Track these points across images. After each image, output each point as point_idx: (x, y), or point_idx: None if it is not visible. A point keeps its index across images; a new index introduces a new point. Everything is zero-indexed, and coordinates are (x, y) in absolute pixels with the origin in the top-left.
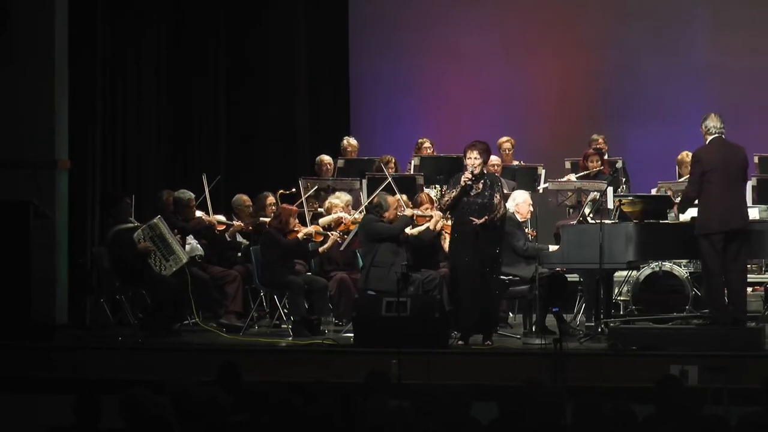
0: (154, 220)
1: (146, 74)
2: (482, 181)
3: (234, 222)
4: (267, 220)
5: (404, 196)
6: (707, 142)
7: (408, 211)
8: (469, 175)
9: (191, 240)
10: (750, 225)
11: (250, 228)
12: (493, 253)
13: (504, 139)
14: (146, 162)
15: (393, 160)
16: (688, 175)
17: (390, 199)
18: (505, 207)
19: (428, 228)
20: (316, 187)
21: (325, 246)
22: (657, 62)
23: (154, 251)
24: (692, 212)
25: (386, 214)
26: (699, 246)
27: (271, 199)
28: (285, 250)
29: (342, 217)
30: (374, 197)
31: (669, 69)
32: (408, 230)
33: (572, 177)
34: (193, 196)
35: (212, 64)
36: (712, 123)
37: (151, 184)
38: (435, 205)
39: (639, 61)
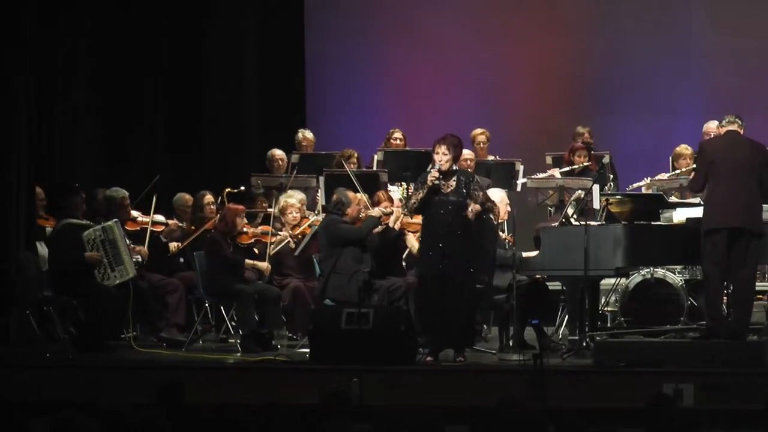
0: (110, 223)
1: (81, 62)
2: (454, 177)
3: (169, 221)
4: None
5: (365, 196)
6: (721, 135)
7: (375, 211)
8: (436, 174)
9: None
10: (762, 227)
11: (192, 227)
12: (483, 258)
13: (478, 131)
14: (79, 159)
15: (355, 155)
16: (681, 169)
17: (351, 194)
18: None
19: (388, 226)
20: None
21: (275, 249)
22: (649, 46)
23: (101, 260)
24: (688, 212)
25: (349, 211)
26: (701, 246)
27: (209, 198)
28: (225, 262)
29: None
30: (334, 195)
31: (662, 53)
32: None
33: (556, 172)
34: (127, 194)
35: (151, 46)
36: (729, 118)
37: (87, 182)
38: (395, 204)
39: (628, 44)
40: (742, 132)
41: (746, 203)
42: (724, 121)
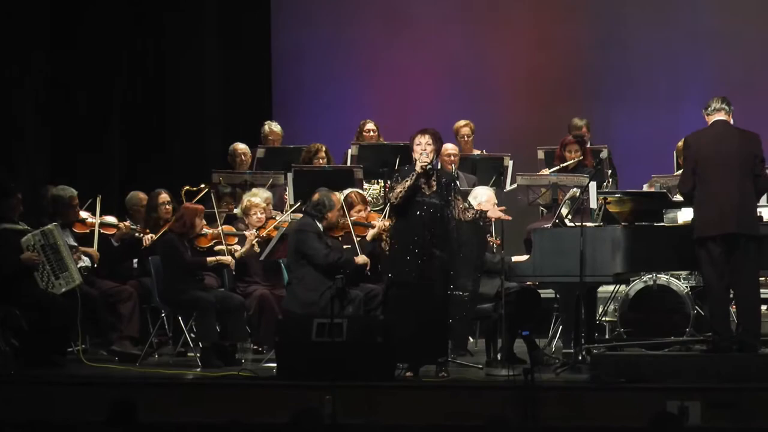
0: (50, 226)
1: (35, 54)
2: (434, 177)
3: (120, 223)
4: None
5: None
6: (708, 126)
7: (360, 258)
8: (426, 160)
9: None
10: (758, 229)
11: (147, 231)
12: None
13: (461, 123)
14: (25, 155)
15: (324, 150)
16: None
17: (335, 196)
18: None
19: (364, 239)
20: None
21: (241, 251)
22: (651, 30)
23: (42, 263)
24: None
25: (329, 215)
26: (696, 255)
27: (164, 197)
28: (185, 266)
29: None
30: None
31: (666, 38)
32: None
33: (547, 171)
34: (75, 193)
35: (112, 32)
36: (715, 104)
37: (37, 180)
38: (369, 207)
39: (629, 28)
40: (731, 119)
41: (740, 205)
42: (709, 108)
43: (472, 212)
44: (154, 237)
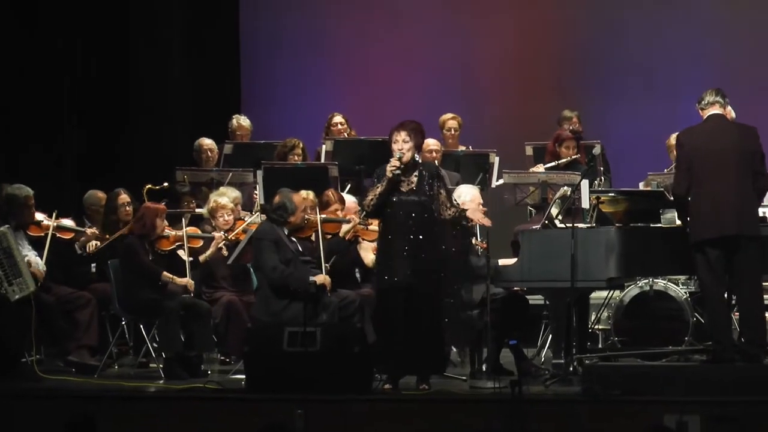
0: (2, 229)
1: None
2: (416, 172)
3: (86, 228)
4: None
5: (311, 194)
6: (701, 122)
7: (320, 278)
8: (397, 163)
9: (28, 251)
10: (759, 230)
11: (107, 237)
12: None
13: (448, 116)
14: None
15: (300, 146)
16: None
17: (297, 198)
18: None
19: (337, 236)
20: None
21: (206, 254)
22: (647, 17)
23: None
24: None
25: (292, 219)
26: (692, 259)
27: (124, 197)
28: (144, 271)
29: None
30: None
31: (663, 26)
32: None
33: (541, 167)
34: (31, 192)
35: (72, 19)
36: (709, 98)
37: None
38: (347, 207)
39: (623, 16)
40: (726, 113)
41: (738, 205)
42: (702, 102)
43: (452, 210)
44: (99, 245)
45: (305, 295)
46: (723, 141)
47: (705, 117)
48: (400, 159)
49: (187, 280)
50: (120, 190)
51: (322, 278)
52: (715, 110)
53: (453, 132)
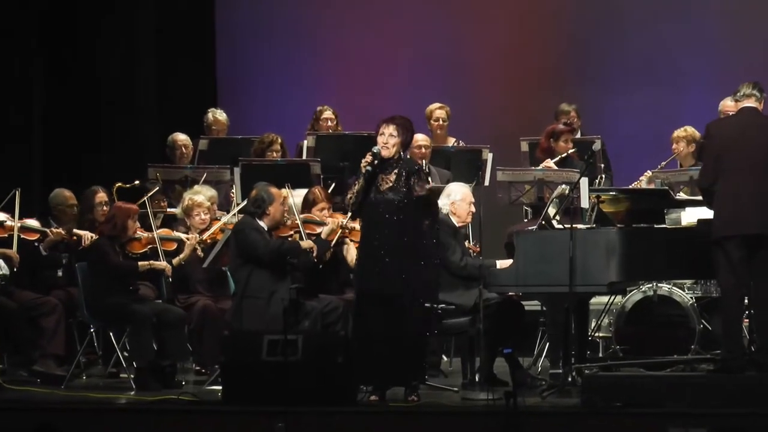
0: None
1: None
2: (395, 170)
3: (52, 228)
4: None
5: (290, 192)
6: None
7: (306, 243)
8: (369, 158)
9: None
10: None
11: (74, 237)
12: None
13: (435, 105)
14: None
15: (279, 142)
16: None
17: (274, 190)
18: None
19: (319, 237)
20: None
21: (180, 256)
22: (650, 3)
23: None
24: (700, 213)
25: (270, 210)
26: (712, 258)
27: (102, 196)
28: (115, 272)
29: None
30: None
31: (666, 13)
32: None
33: (549, 163)
34: None
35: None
36: (744, 90)
37: None
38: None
39: (623, 3)
40: (761, 107)
41: (762, 203)
42: (738, 94)
43: (427, 188)
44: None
45: (304, 267)
46: (753, 135)
47: (737, 109)
48: (376, 154)
49: (165, 264)
50: (97, 188)
51: (309, 243)
52: (750, 103)
53: (441, 123)
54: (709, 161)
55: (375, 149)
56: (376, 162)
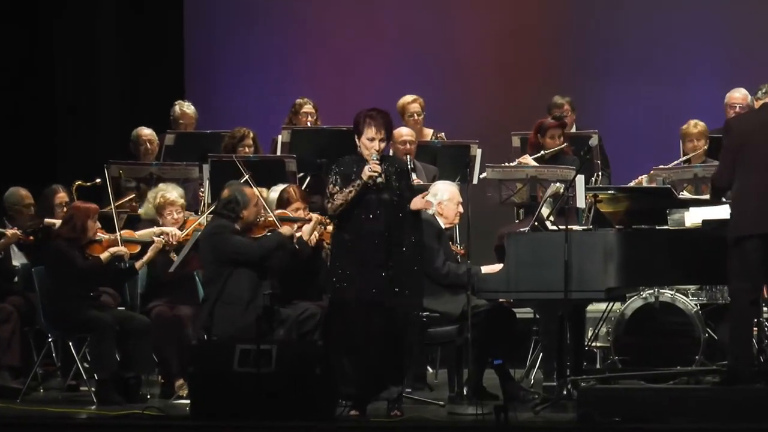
0: None
1: None
2: (387, 168)
3: (6, 230)
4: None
5: (265, 192)
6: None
7: (285, 229)
8: (378, 168)
9: None
10: None
11: (31, 238)
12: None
13: (408, 98)
14: None
15: (251, 136)
16: (689, 154)
17: (249, 190)
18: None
19: (302, 241)
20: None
21: (144, 259)
22: None
23: None
24: (705, 213)
25: (245, 213)
26: (728, 259)
27: (62, 195)
28: (80, 273)
29: (164, 232)
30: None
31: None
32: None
33: (527, 159)
34: None
35: None
36: (766, 88)
37: None
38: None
39: None
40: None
41: None
42: (759, 92)
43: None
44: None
45: (293, 258)
46: None
47: (758, 106)
48: (380, 161)
49: (125, 250)
50: (57, 186)
51: (288, 229)
52: None
53: (417, 117)
54: (728, 159)
55: (374, 156)
56: (381, 173)
